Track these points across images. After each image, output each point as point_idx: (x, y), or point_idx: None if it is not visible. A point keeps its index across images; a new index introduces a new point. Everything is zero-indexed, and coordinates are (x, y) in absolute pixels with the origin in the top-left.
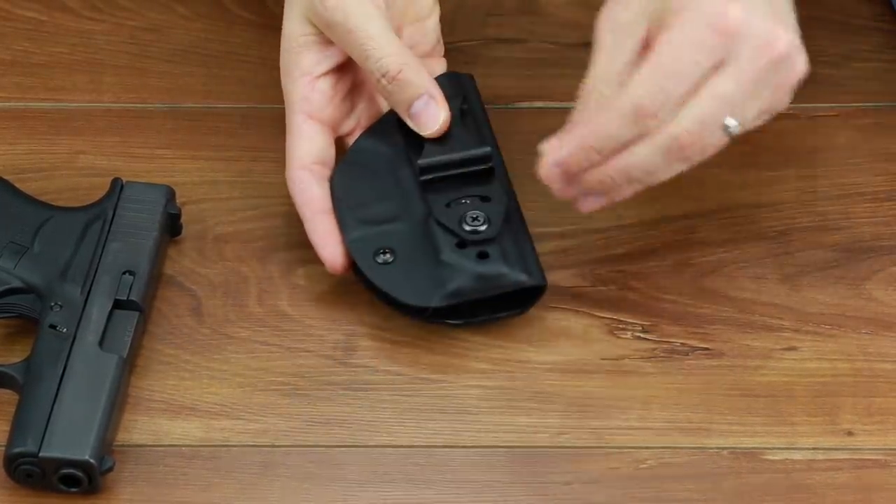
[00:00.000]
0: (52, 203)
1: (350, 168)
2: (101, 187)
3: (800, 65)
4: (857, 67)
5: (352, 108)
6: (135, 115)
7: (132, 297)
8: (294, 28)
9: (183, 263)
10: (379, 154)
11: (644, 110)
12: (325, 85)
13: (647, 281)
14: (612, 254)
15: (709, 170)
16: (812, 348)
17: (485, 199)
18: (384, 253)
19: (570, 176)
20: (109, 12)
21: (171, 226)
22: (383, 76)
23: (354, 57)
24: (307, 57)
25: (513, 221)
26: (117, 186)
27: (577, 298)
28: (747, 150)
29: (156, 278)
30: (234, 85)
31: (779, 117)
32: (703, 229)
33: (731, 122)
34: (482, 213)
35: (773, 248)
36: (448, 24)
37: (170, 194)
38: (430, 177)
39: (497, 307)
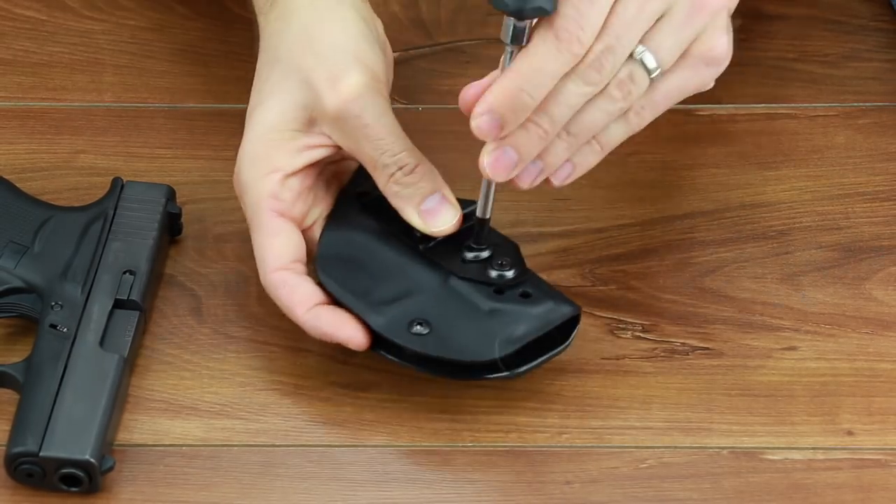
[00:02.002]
0: (53, 203)
1: (332, 262)
2: (101, 187)
3: (723, 38)
4: (857, 67)
5: (314, 202)
6: (135, 115)
7: (132, 297)
8: (274, 117)
9: (183, 263)
10: (353, 242)
11: (565, 33)
12: (295, 182)
13: (647, 281)
14: (612, 254)
15: (708, 170)
16: (812, 348)
17: (495, 245)
18: (419, 324)
19: (502, 126)
20: (110, 12)
21: (172, 225)
22: (400, 169)
23: (363, 151)
24: (282, 153)
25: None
26: (118, 186)
27: (577, 298)
28: (747, 150)
29: (156, 278)
30: (234, 85)
31: (779, 117)
32: (703, 229)
33: (640, 51)
34: (505, 258)
35: (773, 248)
36: (448, 24)
37: (170, 194)
38: (431, 244)
39: (540, 348)
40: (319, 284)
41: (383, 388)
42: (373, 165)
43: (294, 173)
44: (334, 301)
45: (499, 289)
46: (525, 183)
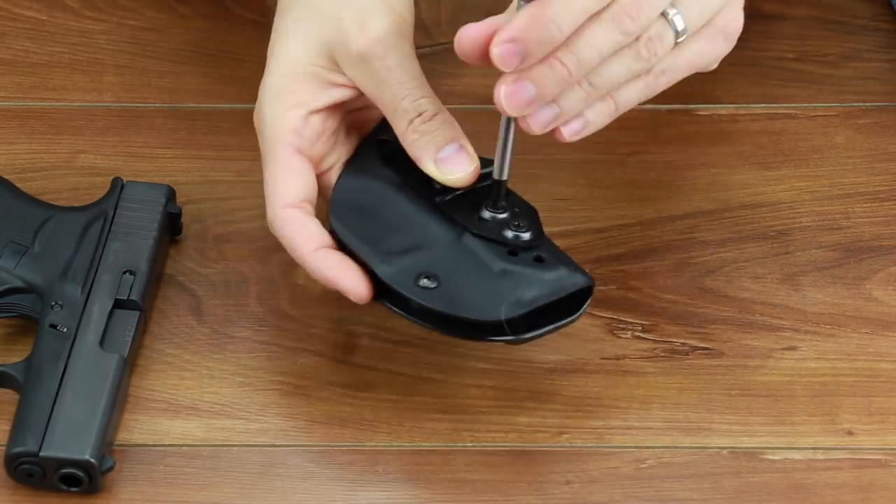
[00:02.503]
0: (53, 203)
1: (345, 208)
2: (101, 187)
3: (741, 14)
4: (857, 67)
5: (333, 146)
6: (135, 115)
7: (132, 297)
8: (297, 53)
9: (183, 263)
10: (369, 189)
11: None
12: (317, 121)
13: (647, 281)
14: (612, 254)
15: (708, 170)
16: (812, 348)
17: (514, 209)
18: (427, 278)
19: (525, 57)
20: (110, 12)
21: (172, 225)
22: (419, 115)
23: (383, 94)
24: (307, 88)
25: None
26: (118, 186)
27: None
28: (747, 150)
29: (156, 278)
30: (234, 85)
31: (779, 117)
32: (703, 229)
33: (673, 12)
34: (523, 220)
35: (773, 248)
36: (448, 23)
37: (170, 194)
38: (449, 197)
39: (550, 316)
40: (330, 230)
41: (383, 388)
42: (392, 110)
43: (318, 111)
44: (343, 248)
45: (513, 250)
46: (537, 125)
